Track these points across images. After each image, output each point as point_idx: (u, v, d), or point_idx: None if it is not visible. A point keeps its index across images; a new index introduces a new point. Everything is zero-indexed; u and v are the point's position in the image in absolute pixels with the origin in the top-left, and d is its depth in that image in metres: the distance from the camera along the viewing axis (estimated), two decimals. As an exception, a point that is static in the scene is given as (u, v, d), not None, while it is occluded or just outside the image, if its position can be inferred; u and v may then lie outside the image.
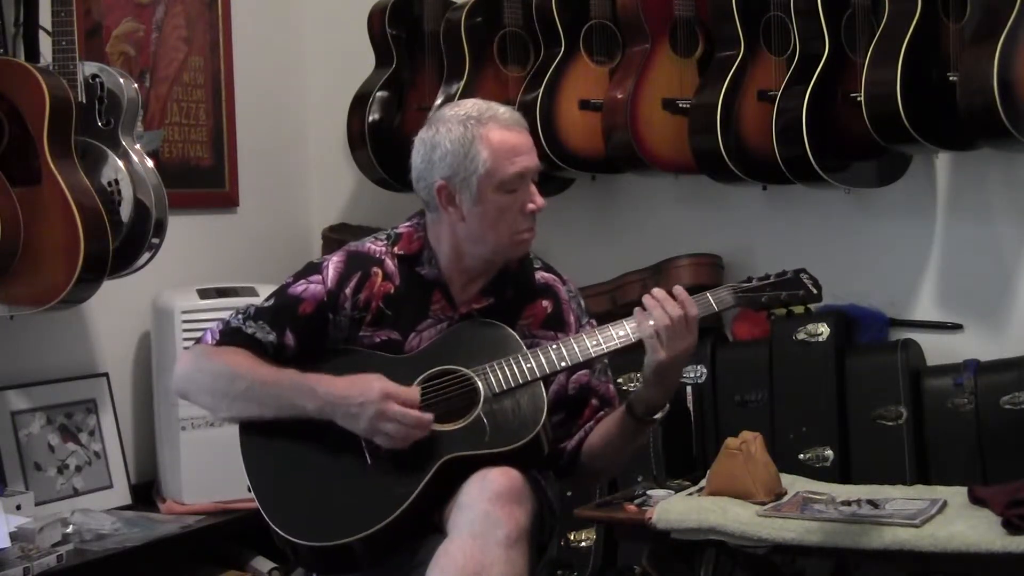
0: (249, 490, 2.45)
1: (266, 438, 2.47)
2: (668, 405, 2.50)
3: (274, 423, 2.45)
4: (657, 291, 2.41)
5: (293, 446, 2.45)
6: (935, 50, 3.20)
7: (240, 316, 2.53)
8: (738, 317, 3.70)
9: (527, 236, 2.50)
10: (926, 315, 3.61)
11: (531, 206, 2.47)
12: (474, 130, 2.43)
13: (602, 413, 2.58)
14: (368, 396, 2.35)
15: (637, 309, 2.42)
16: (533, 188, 2.48)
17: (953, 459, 3.33)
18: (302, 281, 2.53)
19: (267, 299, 2.55)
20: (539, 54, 3.82)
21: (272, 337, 2.49)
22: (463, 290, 2.55)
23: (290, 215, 4.41)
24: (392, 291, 2.52)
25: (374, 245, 2.57)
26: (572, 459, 2.58)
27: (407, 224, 2.60)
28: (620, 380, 3.53)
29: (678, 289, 2.42)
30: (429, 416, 2.36)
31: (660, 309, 2.39)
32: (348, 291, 2.51)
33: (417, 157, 2.50)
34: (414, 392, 2.39)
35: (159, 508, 3.63)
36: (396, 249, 2.55)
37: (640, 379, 2.48)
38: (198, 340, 2.58)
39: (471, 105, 2.49)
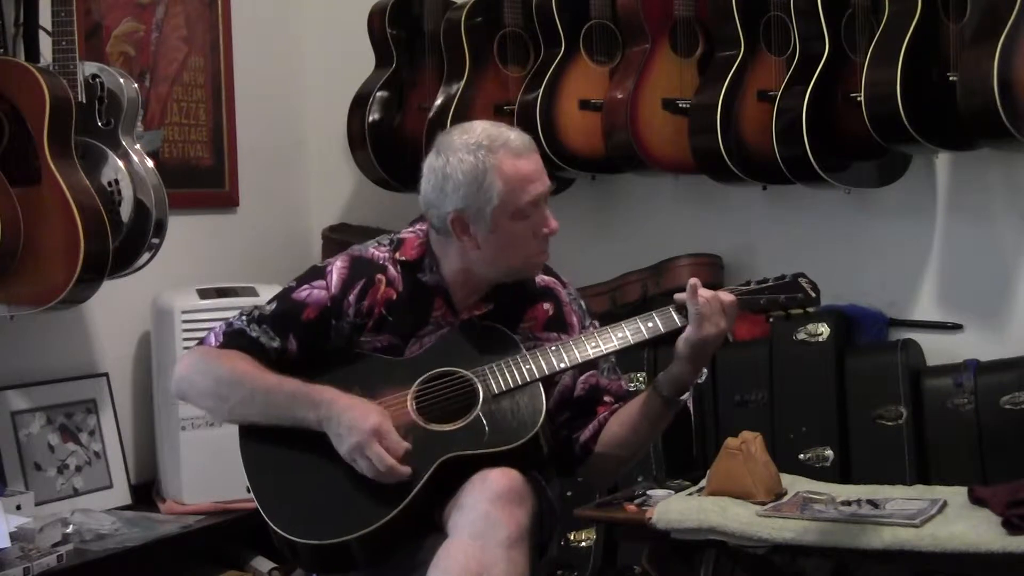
0: (248, 490, 2.45)
1: (265, 438, 2.47)
2: (692, 389, 2.52)
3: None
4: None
5: (292, 445, 2.45)
6: (935, 50, 3.20)
7: (244, 318, 2.53)
8: (738, 317, 3.70)
9: (541, 259, 2.52)
10: (926, 315, 3.61)
11: (545, 231, 2.47)
12: (486, 160, 2.41)
13: (617, 405, 2.58)
14: (360, 425, 2.35)
15: (688, 284, 2.44)
16: (547, 212, 2.48)
17: (953, 459, 3.32)
18: (305, 286, 2.53)
19: (270, 303, 2.54)
20: (539, 54, 3.82)
21: (276, 343, 2.49)
22: (465, 298, 2.54)
23: (290, 215, 4.41)
24: (394, 297, 2.52)
25: (377, 251, 2.56)
26: (585, 449, 2.57)
27: (410, 230, 2.60)
28: (620, 380, 3.53)
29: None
30: (406, 470, 2.35)
31: (703, 288, 2.42)
32: (352, 298, 2.50)
33: (428, 186, 2.48)
34: (402, 445, 2.36)
35: (159, 508, 3.63)
36: (398, 255, 2.55)
37: (673, 358, 2.47)
38: (201, 341, 2.57)
39: (480, 132, 2.46)
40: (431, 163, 2.48)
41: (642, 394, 2.53)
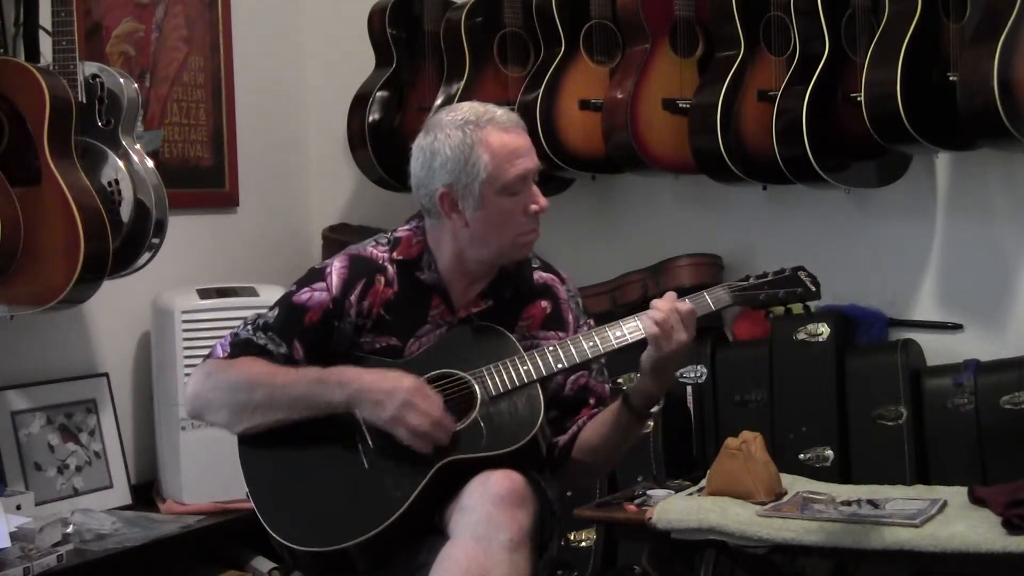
0: (247, 496, 2.45)
1: (264, 444, 2.46)
2: (663, 400, 2.51)
3: (272, 430, 2.45)
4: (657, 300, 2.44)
5: (290, 452, 2.44)
6: (935, 50, 3.20)
7: (249, 327, 2.52)
8: (738, 317, 3.70)
9: (531, 237, 2.50)
10: (926, 315, 3.61)
11: (534, 207, 2.47)
12: (473, 135, 2.42)
13: (596, 411, 2.57)
14: (399, 387, 2.36)
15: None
16: (535, 189, 2.48)
17: (953, 459, 3.33)
18: (306, 289, 2.52)
19: (271, 310, 2.54)
20: (539, 54, 3.82)
21: (284, 349, 2.49)
22: (462, 294, 2.54)
23: (290, 215, 4.41)
24: (392, 297, 2.52)
25: (375, 250, 2.56)
26: (563, 455, 2.57)
27: (406, 228, 2.59)
28: (620, 380, 3.53)
29: (671, 294, 2.45)
30: (451, 421, 2.37)
31: (661, 304, 2.40)
32: (353, 298, 2.50)
33: (416, 165, 2.49)
34: (439, 397, 2.39)
35: (159, 508, 3.63)
36: (395, 254, 2.55)
37: (638, 374, 2.48)
38: (208, 355, 2.56)
39: (468, 109, 2.47)
40: (419, 142, 2.49)
41: (613, 405, 2.53)
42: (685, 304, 2.41)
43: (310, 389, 2.41)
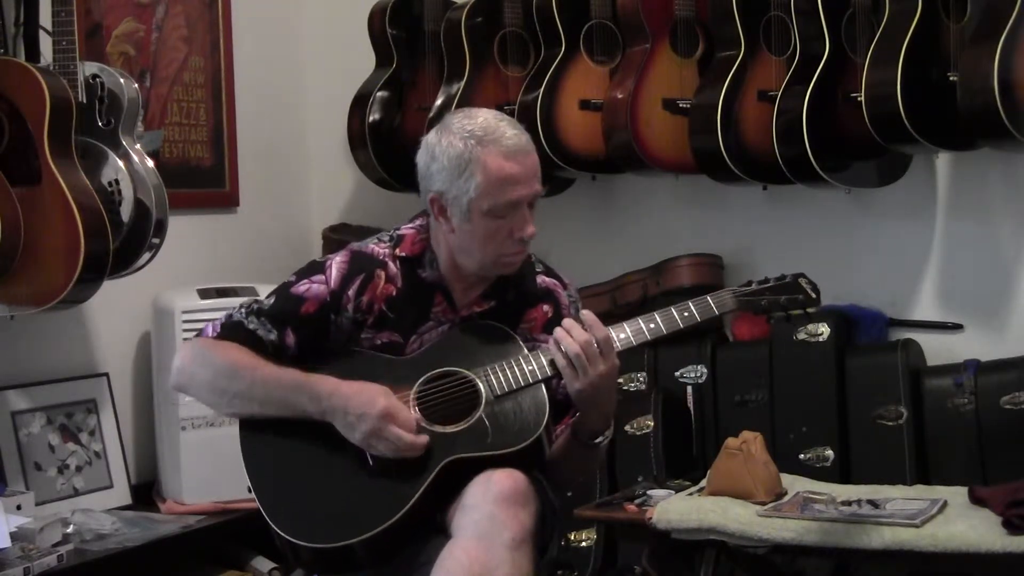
0: (250, 490, 2.45)
1: (267, 438, 2.47)
2: (611, 431, 2.50)
3: (276, 423, 2.45)
4: (566, 321, 2.41)
5: (295, 446, 2.45)
6: (935, 50, 3.20)
7: (243, 311, 2.53)
8: (738, 317, 3.70)
9: (514, 259, 2.49)
10: (926, 315, 3.61)
11: (519, 235, 2.45)
12: (473, 151, 2.40)
13: (573, 420, 2.55)
14: (368, 411, 2.36)
15: (551, 339, 2.40)
16: (526, 215, 2.45)
17: (953, 459, 3.33)
18: (305, 280, 2.53)
19: (269, 296, 2.54)
20: (539, 54, 3.82)
21: (273, 336, 2.49)
22: (464, 293, 2.54)
23: (290, 215, 4.41)
24: (394, 293, 2.52)
25: (377, 247, 2.56)
26: None
27: (410, 226, 2.59)
28: (620, 380, 3.53)
29: (586, 314, 2.42)
30: (424, 439, 2.36)
31: (569, 338, 2.38)
32: (351, 292, 2.50)
33: (420, 160, 2.50)
34: (411, 416, 2.38)
35: (159, 508, 3.63)
36: (398, 251, 2.55)
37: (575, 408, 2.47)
38: (199, 333, 2.57)
39: (481, 121, 2.44)
40: (428, 138, 2.50)
41: (566, 432, 2.51)
42: (602, 331, 2.38)
43: (287, 393, 2.42)
